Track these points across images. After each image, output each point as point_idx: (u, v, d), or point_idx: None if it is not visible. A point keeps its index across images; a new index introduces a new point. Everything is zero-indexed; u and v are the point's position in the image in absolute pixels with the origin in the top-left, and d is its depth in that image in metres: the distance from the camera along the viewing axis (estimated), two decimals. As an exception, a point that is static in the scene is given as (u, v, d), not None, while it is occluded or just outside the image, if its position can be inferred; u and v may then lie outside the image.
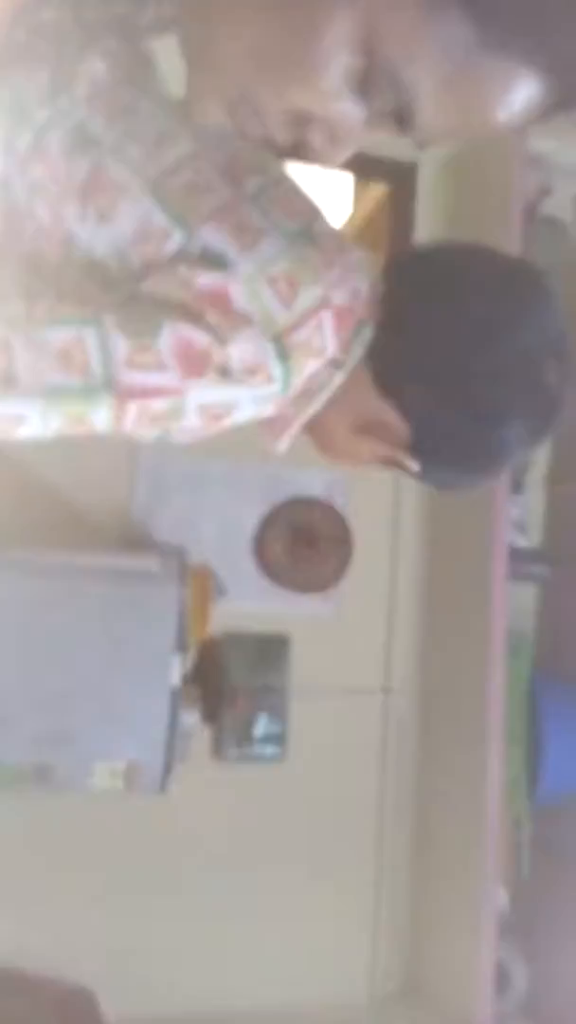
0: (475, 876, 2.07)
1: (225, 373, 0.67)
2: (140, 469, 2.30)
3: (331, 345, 0.73)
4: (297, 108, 0.58)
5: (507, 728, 2.10)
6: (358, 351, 0.77)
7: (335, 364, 0.76)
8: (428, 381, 0.78)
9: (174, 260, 0.70)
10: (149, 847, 2.20)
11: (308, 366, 0.72)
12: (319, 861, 2.32)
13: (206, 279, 0.68)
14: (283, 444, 0.81)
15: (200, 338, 0.66)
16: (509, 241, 2.21)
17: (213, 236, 0.71)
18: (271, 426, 0.80)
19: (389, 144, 2.51)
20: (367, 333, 0.76)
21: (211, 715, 2.16)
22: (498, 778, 2.05)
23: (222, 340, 0.67)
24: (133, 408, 0.65)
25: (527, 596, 2.41)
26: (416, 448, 0.81)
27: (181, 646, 1.88)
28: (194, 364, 0.66)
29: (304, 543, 2.41)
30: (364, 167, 2.67)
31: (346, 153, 0.63)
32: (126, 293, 0.69)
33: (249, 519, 2.39)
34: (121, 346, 0.64)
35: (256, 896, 2.27)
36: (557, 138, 2.35)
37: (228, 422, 0.71)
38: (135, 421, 0.66)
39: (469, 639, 2.19)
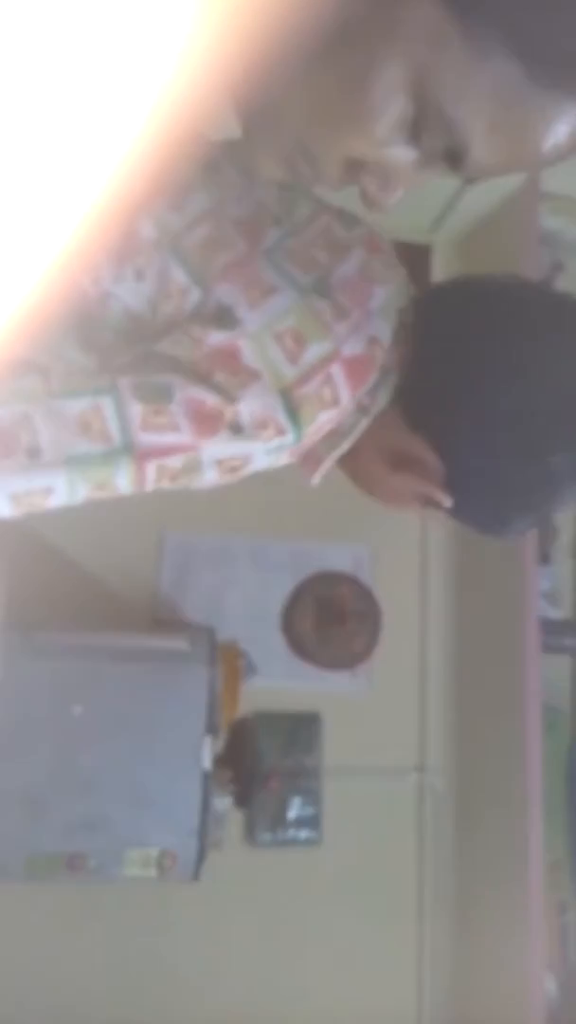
0: (521, 963, 1.97)
1: (237, 430, 0.68)
2: (166, 547, 2.30)
3: (345, 396, 0.73)
4: (351, 156, 0.60)
5: (547, 806, 2.03)
6: (384, 396, 0.78)
7: (361, 409, 0.77)
8: (457, 415, 0.77)
9: (190, 319, 0.72)
10: (183, 935, 2.13)
11: (321, 416, 0.72)
12: (357, 949, 2.23)
13: (216, 338, 0.70)
14: (317, 478, 0.82)
15: (210, 399, 0.68)
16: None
17: (225, 292, 0.73)
18: (304, 464, 0.81)
19: (402, 227, 2.56)
20: (393, 378, 0.78)
21: (244, 799, 2.11)
22: (540, 859, 1.97)
23: (231, 398, 0.68)
24: (152, 468, 0.67)
25: (562, 668, 2.35)
26: (451, 483, 0.79)
27: (212, 728, 1.85)
28: (206, 423, 0.67)
29: (332, 619, 2.38)
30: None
31: (398, 196, 0.64)
32: (142, 353, 0.71)
33: (276, 595, 2.38)
34: (136, 411, 0.66)
35: (292, 986, 2.18)
36: (568, 214, 2.40)
37: (245, 472, 0.72)
38: (155, 480, 0.68)
39: (504, 714, 2.14)
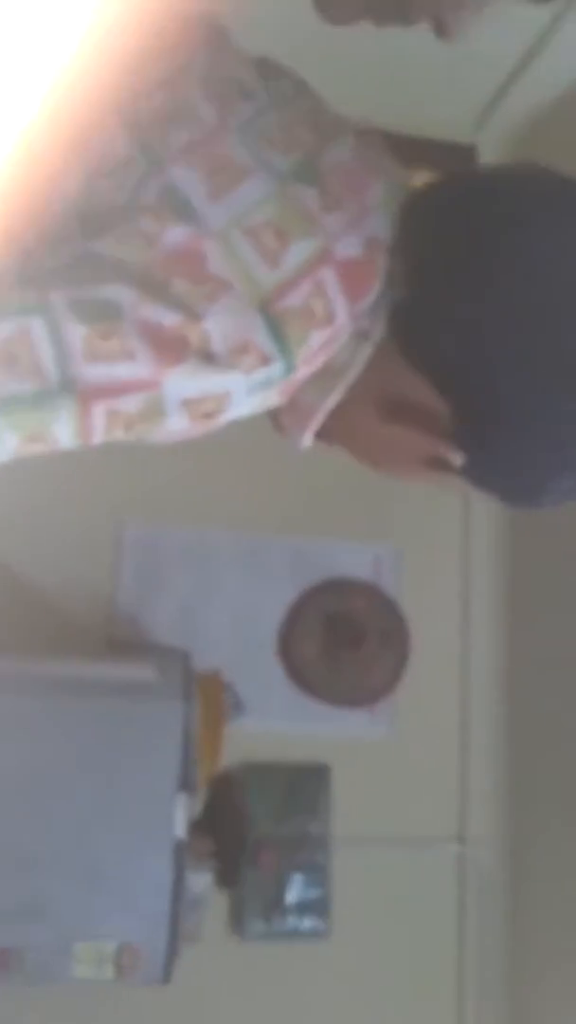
0: None
1: (207, 357, 0.68)
2: (125, 544, 2.30)
3: (341, 311, 0.72)
4: None
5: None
6: (378, 333, 0.76)
7: (360, 334, 0.76)
8: (473, 334, 0.74)
9: (140, 208, 0.71)
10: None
11: (313, 337, 0.71)
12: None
13: (174, 234, 0.70)
14: (307, 439, 0.82)
15: (169, 317, 0.67)
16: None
17: (183, 178, 0.72)
18: (290, 418, 0.81)
19: (442, 122, 2.57)
20: (394, 293, 0.76)
21: (229, 877, 2.12)
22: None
23: (195, 315, 0.67)
24: (101, 411, 0.66)
25: None
26: (468, 431, 0.77)
27: (188, 784, 1.85)
28: (167, 349, 0.67)
29: (345, 640, 2.39)
30: (419, 151, 2.75)
31: (473, 25, 0.73)
32: (78, 253, 0.70)
33: (272, 609, 2.38)
34: (77, 334, 0.65)
35: None
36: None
37: (224, 418, 0.71)
38: (104, 429, 0.67)
39: (566, 768, 2.15)
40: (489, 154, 2.66)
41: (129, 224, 0.71)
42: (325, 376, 0.76)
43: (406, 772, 2.34)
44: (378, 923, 2.29)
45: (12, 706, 1.78)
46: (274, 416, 0.81)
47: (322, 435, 0.83)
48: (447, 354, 0.75)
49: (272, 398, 0.73)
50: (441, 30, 0.75)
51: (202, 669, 2.00)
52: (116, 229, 0.71)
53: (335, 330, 0.73)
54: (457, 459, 0.78)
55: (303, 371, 0.73)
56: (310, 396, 0.77)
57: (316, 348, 0.72)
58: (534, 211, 0.75)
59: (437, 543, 2.44)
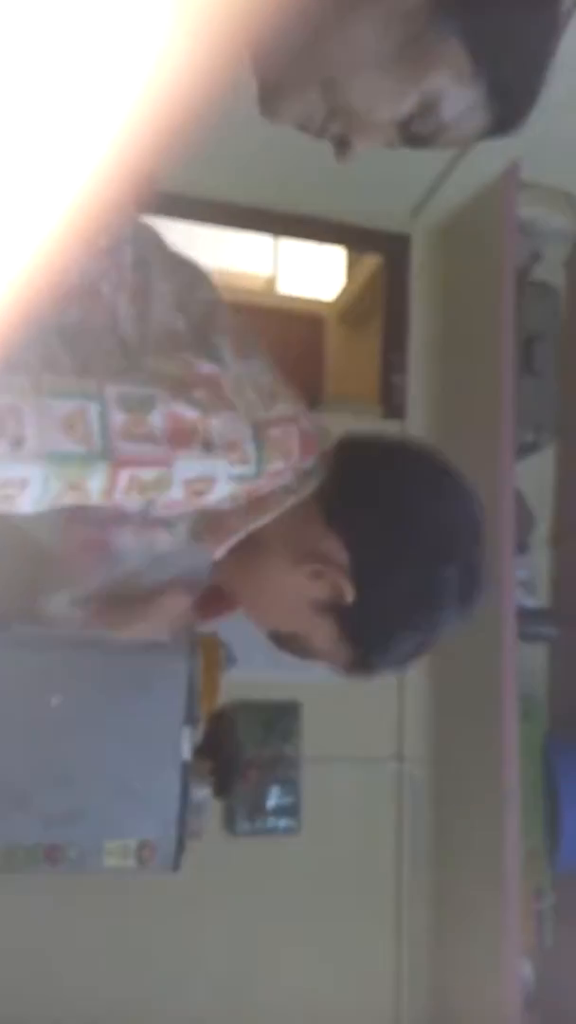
0: (498, 948, 2.00)
1: (208, 446, 0.72)
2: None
3: (295, 458, 0.79)
4: (362, 125, 0.76)
5: (523, 794, 2.06)
6: (311, 484, 0.82)
7: (287, 489, 0.81)
8: (370, 518, 0.84)
9: (184, 347, 0.79)
10: (163, 925, 2.14)
11: (277, 464, 0.77)
12: (337, 936, 2.25)
13: (205, 367, 0.77)
14: (220, 552, 0.83)
15: (189, 413, 0.72)
16: (502, 307, 2.24)
17: (218, 337, 0.81)
18: (210, 532, 0.82)
19: (382, 216, 2.55)
20: (319, 474, 0.82)
21: (223, 789, 2.12)
22: (516, 846, 2.00)
23: (207, 413, 0.73)
24: (125, 476, 0.70)
25: (538, 657, 2.38)
26: (356, 576, 0.82)
27: (191, 718, 1.85)
28: (182, 436, 0.71)
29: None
30: (357, 239, 2.74)
31: (361, 150, 0.79)
32: (132, 363, 0.76)
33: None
34: (119, 419, 0.69)
35: (271, 976, 2.19)
36: (546, 203, 2.41)
37: (207, 499, 0.75)
38: (125, 489, 0.71)
39: (481, 703, 2.16)
40: (420, 241, 2.65)
41: (172, 351, 0.78)
42: (254, 508, 0.80)
43: (357, 708, 2.34)
44: (336, 823, 2.30)
45: (56, 660, 1.78)
46: (196, 529, 0.81)
47: (226, 560, 0.84)
48: (348, 530, 0.83)
49: (239, 492, 0.77)
50: (344, 150, 0.80)
51: (203, 631, 1.99)
52: (161, 353, 0.77)
53: (288, 468, 0.79)
54: (350, 595, 0.82)
55: (261, 483, 0.77)
56: (234, 520, 0.80)
57: (275, 473, 0.77)
58: (417, 477, 0.87)
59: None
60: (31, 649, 1.75)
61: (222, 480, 0.74)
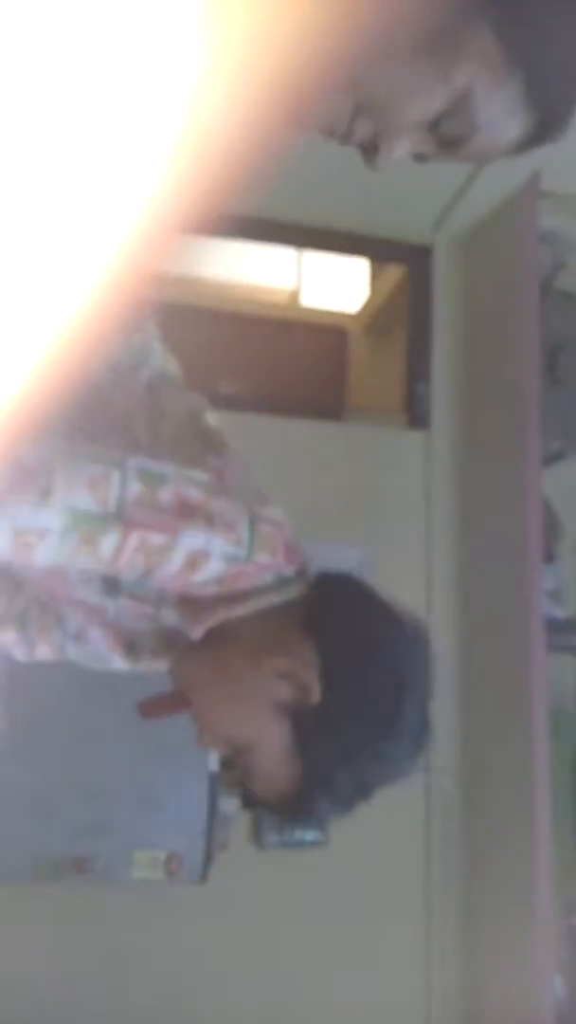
0: (529, 963, 1.98)
1: (209, 521, 0.78)
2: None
3: (280, 557, 0.84)
4: (389, 125, 0.74)
5: (555, 805, 2.04)
6: (290, 591, 0.86)
7: (268, 588, 0.84)
8: (354, 632, 0.87)
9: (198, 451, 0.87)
10: (190, 936, 2.13)
11: (264, 555, 0.82)
12: (365, 949, 2.24)
13: (213, 460, 0.86)
14: (200, 631, 0.86)
15: (195, 492, 0.79)
16: (526, 316, 2.24)
17: (224, 448, 0.91)
18: (194, 615, 0.85)
19: (404, 228, 2.56)
20: (298, 585, 0.86)
21: (251, 800, 2.11)
22: (548, 859, 1.98)
23: (210, 496, 0.80)
24: (136, 538, 0.76)
25: (567, 668, 2.36)
26: (324, 679, 0.83)
27: (218, 730, 1.86)
28: (187, 509, 0.78)
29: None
30: (380, 250, 2.75)
31: (393, 158, 0.77)
32: (150, 452, 0.85)
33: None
34: (135, 489, 0.76)
35: (299, 988, 2.18)
36: (568, 213, 2.41)
37: (200, 574, 0.80)
38: (133, 550, 0.77)
39: (510, 714, 2.15)
40: (442, 252, 2.65)
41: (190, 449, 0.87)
42: (235, 598, 0.84)
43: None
44: (365, 835, 2.27)
45: (89, 672, 1.79)
46: (180, 612, 0.85)
47: (190, 655, 0.88)
48: (333, 635, 0.86)
49: (225, 575, 0.81)
50: (372, 154, 0.77)
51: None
52: (177, 446, 0.87)
53: (271, 565, 0.83)
54: (317, 694, 0.83)
55: (247, 570, 0.82)
56: (215, 605, 0.84)
57: (259, 564, 0.82)
58: (389, 614, 0.90)
59: (404, 545, 2.43)
60: (59, 663, 1.77)
61: (216, 556, 0.79)
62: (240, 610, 0.84)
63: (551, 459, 2.32)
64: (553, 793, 2.03)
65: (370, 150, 0.77)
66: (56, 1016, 2.01)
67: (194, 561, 0.79)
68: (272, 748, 0.83)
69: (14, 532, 0.73)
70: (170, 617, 0.86)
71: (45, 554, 0.75)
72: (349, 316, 3.23)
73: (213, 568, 0.80)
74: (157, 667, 0.97)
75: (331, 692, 0.83)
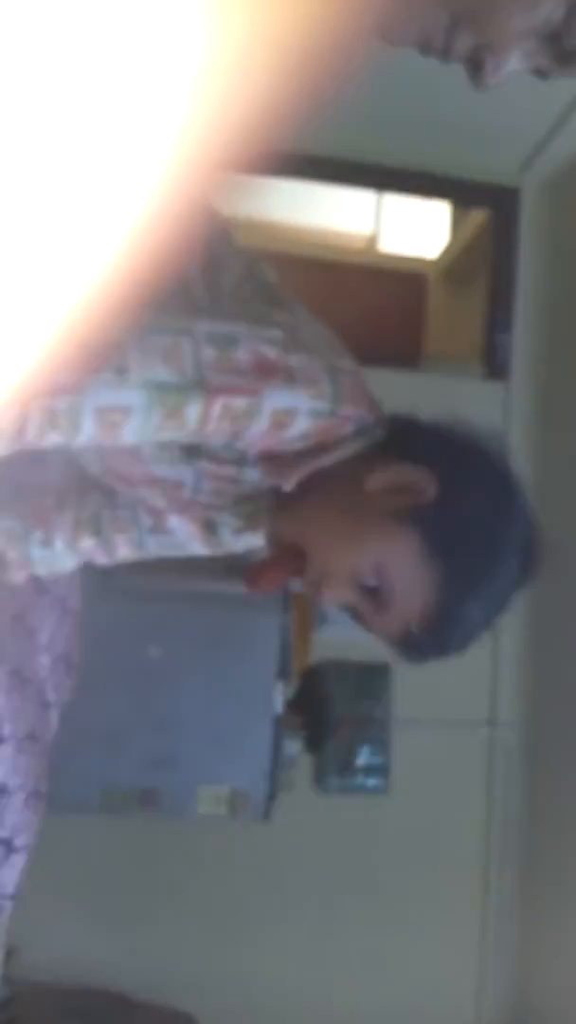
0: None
1: (291, 378, 0.76)
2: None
3: (363, 407, 0.82)
4: (491, 37, 0.69)
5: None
6: (374, 437, 0.84)
7: (352, 435, 0.82)
8: (452, 452, 0.85)
9: (262, 306, 0.83)
10: (252, 875, 2.19)
11: (347, 407, 0.79)
12: (424, 898, 2.26)
13: (279, 315, 0.82)
14: (291, 484, 0.84)
15: (271, 351, 0.76)
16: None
17: (290, 300, 0.86)
18: (280, 468, 0.84)
19: (489, 169, 2.46)
20: (379, 431, 0.84)
21: (314, 744, 2.14)
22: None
23: (287, 351, 0.77)
24: (219, 404, 0.74)
25: None
26: (437, 478, 0.82)
27: (284, 673, 1.87)
28: (267, 370, 0.75)
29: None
30: (464, 194, 2.66)
31: (499, 80, 0.72)
32: (214, 311, 0.82)
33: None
34: (209, 354, 0.74)
35: (359, 929, 2.22)
36: None
37: (288, 432, 0.78)
38: (219, 417, 0.75)
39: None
40: (531, 195, 2.56)
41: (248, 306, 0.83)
42: (323, 448, 0.82)
43: (449, 671, 2.31)
44: (425, 786, 2.29)
45: (155, 612, 1.83)
46: (265, 471, 0.84)
47: (292, 508, 0.85)
48: (432, 453, 0.84)
49: (317, 426, 0.79)
50: (478, 71, 0.71)
51: (295, 589, 2.01)
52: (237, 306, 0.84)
53: (354, 416, 0.81)
54: (432, 487, 0.80)
55: (333, 423, 0.79)
56: (306, 461, 0.82)
57: (344, 416, 0.80)
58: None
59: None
60: (130, 600, 1.80)
61: (302, 413, 0.77)
62: (326, 460, 0.82)
63: None
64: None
65: (474, 67, 0.71)
66: (119, 948, 2.08)
67: (281, 420, 0.77)
68: (403, 560, 0.81)
69: (97, 413, 0.72)
70: (253, 476, 0.85)
71: (132, 431, 0.74)
72: (429, 262, 3.15)
73: (301, 425, 0.78)
74: (239, 546, 0.96)
75: (444, 488, 0.81)
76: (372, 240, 3.37)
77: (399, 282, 3.11)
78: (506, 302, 2.53)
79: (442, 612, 0.82)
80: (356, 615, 0.87)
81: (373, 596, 0.83)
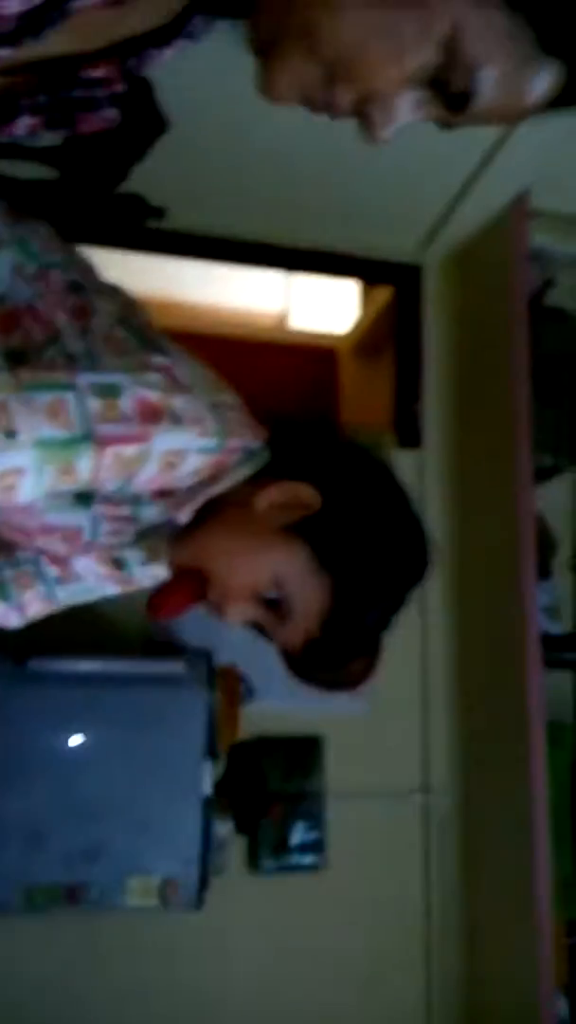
0: (531, 984, 1.95)
1: (176, 420, 0.78)
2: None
3: (249, 436, 0.85)
4: (369, 89, 0.66)
5: (554, 823, 2.01)
6: (260, 461, 0.88)
7: (239, 463, 0.86)
8: (334, 460, 0.90)
9: (132, 351, 0.85)
10: (188, 964, 2.10)
11: (234, 440, 0.83)
12: (365, 974, 2.20)
13: (156, 359, 0.83)
14: (186, 516, 0.88)
15: (153, 395, 0.78)
16: (516, 333, 2.24)
17: (163, 342, 0.88)
18: (175, 502, 0.87)
19: (391, 247, 2.57)
20: (264, 455, 0.88)
21: (246, 825, 2.09)
22: (547, 878, 1.95)
23: (168, 394, 0.79)
24: (111, 453, 0.76)
25: (564, 683, 2.34)
26: (320, 488, 0.86)
27: (211, 752, 1.84)
28: (152, 415, 0.77)
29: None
30: (369, 271, 2.75)
31: (393, 131, 0.69)
32: (89, 364, 0.84)
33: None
34: (94, 405, 0.75)
35: (299, 1014, 2.14)
36: (557, 231, 2.42)
37: (179, 471, 0.81)
38: (110, 467, 0.76)
39: (507, 731, 2.13)
40: (432, 271, 2.66)
41: (122, 354, 0.85)
42: (212, 479, 0.85)
43: (381, 740, 2.32)
44: (362, 858, 2.26)
45: (74, 696, 1.78)
46: (160, 507, 0.87)
47: (187, 535, 0.89)
48: (316, 466, 0.89)
49: (207, 464, 0.82)
50: (367, 124, 0.68)
51: (221, 664, 1.99)
52: (115, 353, 0.85)
53: (240, 447, 0.85)
54: (315, 500, 0.85)
55: (221, 458, 0.83)
56: (197, 490, 0.86)
57: (231, 449, 0.83)
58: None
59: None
60: (47, 685, 1.75)
61: (192, 451, 0.80)
62: (218, 488, 0.85)
63: (544, 475, 2.32)
64: (551, 809, 2.01)
65: (362, 119, 0.69)
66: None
67: (172, 461, 0.79)
68: (298, 569, 0.84)
69: None
70: (149, 513, 0.87)
71: (27, 491, 0.75)
72: (339, 337, 3.24)
73: (191, 463, 0.80)
74: (147, 579, 0.98)
75: (328, 498, 0.85)
76: (282, 318, 3.46)
77: (311, 357, 3.18)
78: (415, 373, 2.61)
79: (340, 616, 0.86)
80: (260, 630, 0.90)
81: (274, 609, 0.86)
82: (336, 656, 0.90)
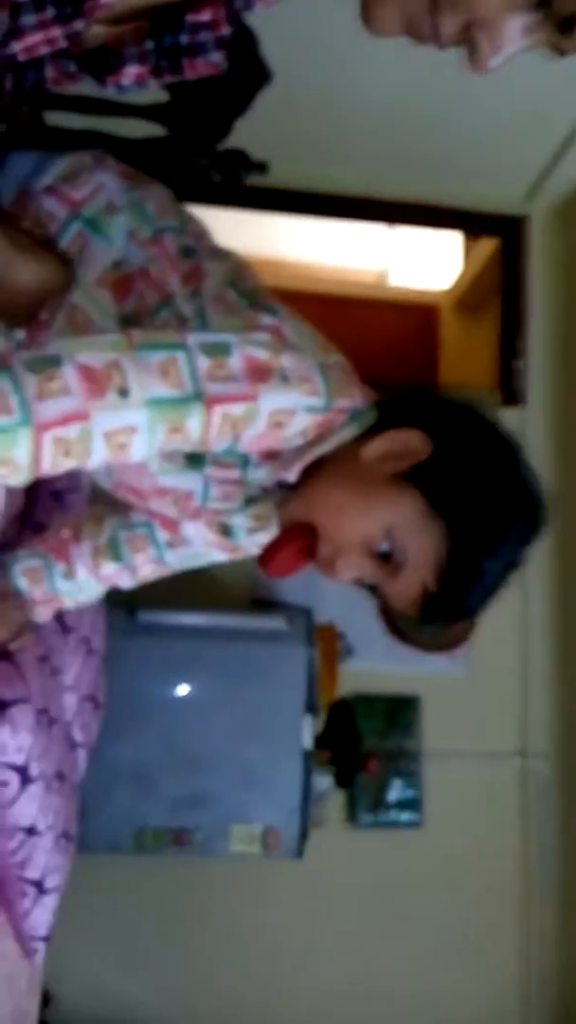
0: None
1: (284, 379, 0.78)
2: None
3: (356, 397, 0.84)
4: (475, 16, 0.65)
5: None
6: (367, 421, 0.86)
7: (346, 423, 0.85)
8: (447, 420, 0.87)
9: (241, 310, 0.85)
10: (285, 912, 2.16)
11: (341, 400, 0.82)
12: (460, 933, 2.22)
13: (266, 319, 0.83)
14: (295, 473, 0.87)
15: (260, 353, 0.78)
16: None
17: (273, 302, 0.87)
18: (283, 462, 0.87)
19: (497, 199, 2.49)
20: (371, 415, 0.86)
21: (345, 779, 2.12)
22: None
23: (276, 353, 0.79)
24: (218, 412, 0.76)
25: None
26: (432, 437, 0.84)
27: (312, 707, 1.86)
28: (260, 374, 0.77)
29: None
30: (473, 223, 2.69)
31: (502, 59, 0.68)
32: (200, 324, 0.85)
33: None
34: (203, 364, 0.76)
35: (390, 968, 2.18)
36: None
37: (286, 431, 0.81)
38: (219, 425, 0.77)
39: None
40: (539, 222, 2.57)
41: (237, 313, 0.85)
42: (320, 438, 0.84)
43: (479, 701, 2.31)
44: (460, 819, 2.27)
45: (182, 648, 1.83)
46: (268, 467, 0.87)
47: (297, 493, 0.88)
48: (427, 419, 0.86)
49: (313, 425, 0.82)
50: (473, 52, 0.67)
51: (321, 622, 2.01)
52: (225, 313, 0.86)
53: (348, 407, 0.83)
54: (425, 447, 0.83)
55: (329, 418, 0.82)
56: (305, 452, 0.85)
57: (339, 409, 0.82)
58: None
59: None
60: (157, 637, 1.81)
61: (300, 411, 0.79)
62: (326, 446, 0.84)
63: None
64: None
65: (469, 47, 0.67)
66: (152, 986, 2.06)
67: (279, 420, 0.79)
68: (411, 517, 0.83)
69: (106, 436, 0.74)
70: (258, 475, 0.87)
71: (139, 449, 0.76)
72: (440, 294, 3.18)
73: (299, 422, 0.80)
74: (254, 547, 0.97)
75: (438, 443, 0.83)
76: (382, 276, 3.41)
77: (411, 314, 3.13)
78: (519, 328, 2.54)
79: (455, 566, 0.83)
80: (371, 587, 0.88)
81: (387, 562, 0.85)
82: (451, 609, 0.88)
